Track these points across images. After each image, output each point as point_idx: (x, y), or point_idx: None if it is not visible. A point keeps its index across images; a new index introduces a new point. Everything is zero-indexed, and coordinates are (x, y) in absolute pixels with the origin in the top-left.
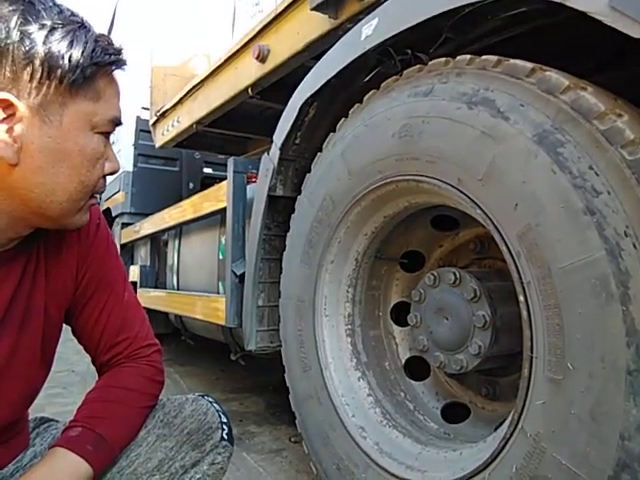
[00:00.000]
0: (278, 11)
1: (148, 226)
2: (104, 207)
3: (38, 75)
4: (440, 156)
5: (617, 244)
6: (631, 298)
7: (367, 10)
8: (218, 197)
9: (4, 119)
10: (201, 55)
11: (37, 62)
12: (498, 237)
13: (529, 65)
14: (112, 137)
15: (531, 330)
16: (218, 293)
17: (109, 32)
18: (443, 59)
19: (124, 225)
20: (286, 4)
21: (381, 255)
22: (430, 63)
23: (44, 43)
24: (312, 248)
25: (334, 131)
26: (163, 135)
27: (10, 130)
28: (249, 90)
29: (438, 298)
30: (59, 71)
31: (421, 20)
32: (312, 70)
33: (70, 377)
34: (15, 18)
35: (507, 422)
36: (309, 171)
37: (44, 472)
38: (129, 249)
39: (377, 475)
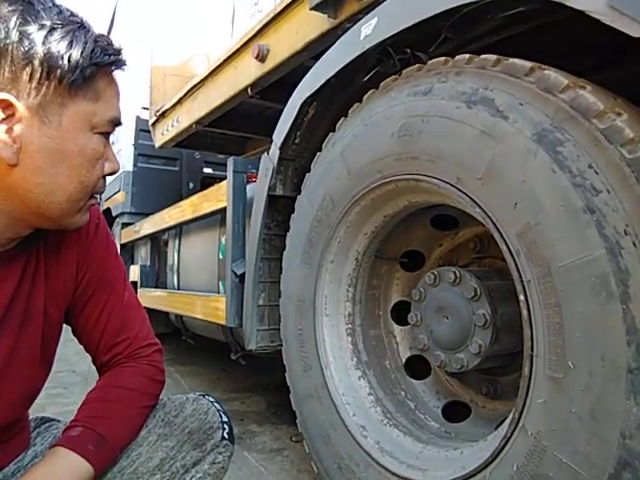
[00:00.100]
0: (277, 11)
1: (148, 226)
2: (104, 207)
3: (37, 75)
4: (439, 155)
5: (617, 242)
6: (631, 296)
7: (366, 10)
8: (218, 197)
9: (3, 119)
10: (200, 55)
11: (36, 62)
12: (498, 236)
13: (528, 64)
14: (112, 137)
15: (531, 329)
16: (218, 293)
17: (109, 32)
18: (442, 58)
19: (124, 225)
20: (285, 4)
21: (381, 254)
22: (429, 62)
23: (43, 43)
24: (312, 248)
25: (333, 131)
26: (163, 135)
27: (9, 130)
28: (249, 90)
29: (438, 297)
30: (58, 71)
31: (420, 20)
32: (311, 70)
33: (71, 377)
34: (14, 18)
35: (508, 421)
36: (309, 171)
37: (45, 472)
38: (129, 249)
39: (378, 474)
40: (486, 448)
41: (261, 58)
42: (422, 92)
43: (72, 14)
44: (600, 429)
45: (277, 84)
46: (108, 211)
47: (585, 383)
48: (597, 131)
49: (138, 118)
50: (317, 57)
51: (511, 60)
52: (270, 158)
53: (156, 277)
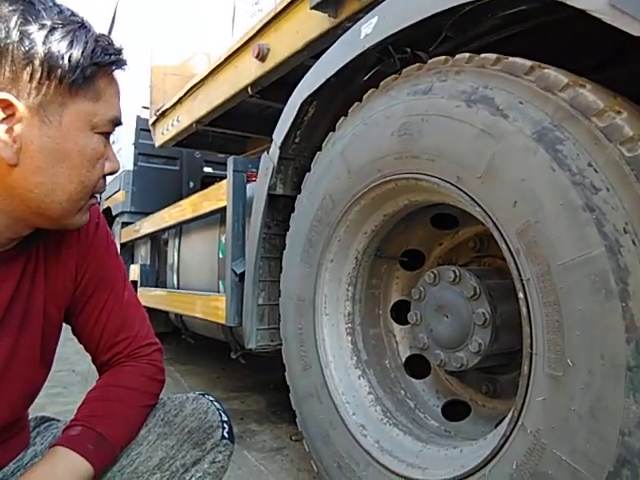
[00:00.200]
0: (277, 10)
1: (148, 225)
2: (104, 206)
3: (38, 75)
4: (439, 154)
5: (616, 241)
6: (630, 294)
7: (366, 9)
8: (218, 196)
9: (4, 119)
10: (201, 54)
11: (37, 62)
12: (497, 235)
13: (528, 63)
14: (112, 136)
15: (531, 327)
16: (218, 292)
17: (109, 32)
18: (442, 57)
19: (124, 224)
20: (285, 3)
21: (381, 253)
22: (429, 61)
23: (44, 43)
24: (312, 247)
25: (334, 130)
26: (163, 134)
27: (10, 130)
28: (249, 89)
29: (438, 296)
30: (59, 71)
31: (420, 18)
32: (312, 69)
33: (71, 377)
34: (15, 18)
35: (507, 419)
36: (309, 170)
37: (45, 471)
38: (129, 248)
39: (378, 473)
40: (486, 446)
41: (261, 57)
42: (422, 91)
43: (73, 14)
44: (599, 427)
45: (277, 83)
46: (108, 210)
47: (584, 381)
48: (597, 129)
49: (138, 117)
50: (317, 56)
51: (511, 59)
52: (270, 157)
53: (156, 276)
